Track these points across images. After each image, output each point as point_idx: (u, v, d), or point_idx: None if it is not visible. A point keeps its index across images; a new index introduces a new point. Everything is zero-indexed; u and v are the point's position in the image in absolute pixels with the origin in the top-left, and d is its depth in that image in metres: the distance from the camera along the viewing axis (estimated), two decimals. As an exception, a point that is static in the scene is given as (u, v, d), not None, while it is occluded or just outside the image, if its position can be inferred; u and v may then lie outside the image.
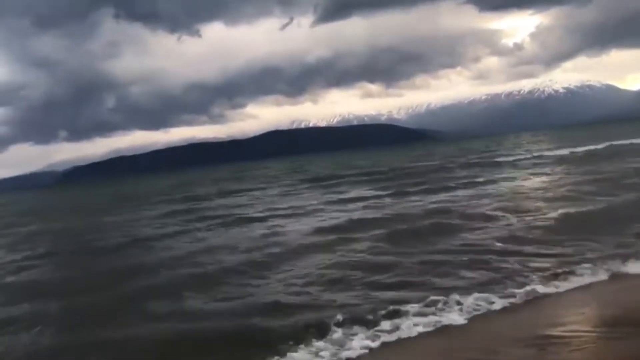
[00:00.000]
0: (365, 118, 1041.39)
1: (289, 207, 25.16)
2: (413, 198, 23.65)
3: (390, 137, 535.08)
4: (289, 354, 7.24)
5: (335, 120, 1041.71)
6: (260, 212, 24.79)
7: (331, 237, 15.62)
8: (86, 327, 9.52)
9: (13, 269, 16.14)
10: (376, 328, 7.87)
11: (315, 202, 26.52)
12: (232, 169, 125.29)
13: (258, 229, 19.22)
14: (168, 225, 23.31)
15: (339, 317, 8.29)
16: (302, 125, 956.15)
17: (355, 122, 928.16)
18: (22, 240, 23.64)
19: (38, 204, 66.40)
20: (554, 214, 15.40)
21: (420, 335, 7.61)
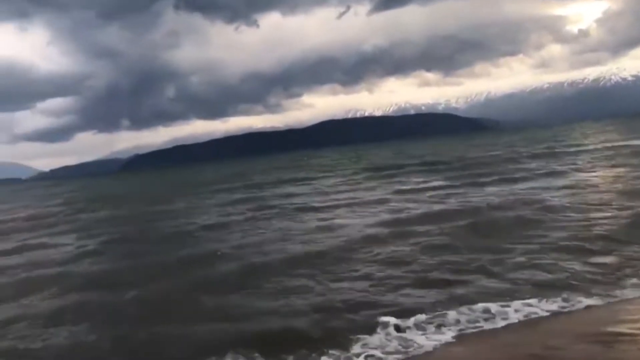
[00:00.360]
0: (423, 107, 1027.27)
1: (351, 198, 24.50)
2: (489, 189, 22.44)
3: (448, 127, 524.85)
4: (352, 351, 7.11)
5: (391, 110, 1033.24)
6: (321, 201, 24.26)
7: (399, 229, 14.90)
8: (150, 319, 9.26)
9: (84, 255, 16.27)
10: (443, 323, 7.70)
11: (380, 192, 25.77)
12: (290, 158, 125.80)
13: (320, 219, 18.69)
14: (232, 214, 23.14)
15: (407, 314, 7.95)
16: (358, 115, 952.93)
17: (412, 112, 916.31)
18: (92, 226, 24.06)
19: (104, 191, 68.54)
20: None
21: (485, 331, 7.44)
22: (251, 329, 8.16)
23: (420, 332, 7.52)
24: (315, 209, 21.62)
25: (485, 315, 7.85)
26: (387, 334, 7.53)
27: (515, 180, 24.33)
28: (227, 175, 69.95)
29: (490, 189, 22.30)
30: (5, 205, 53.45)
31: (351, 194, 26.12)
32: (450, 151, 64.29)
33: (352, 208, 20.94)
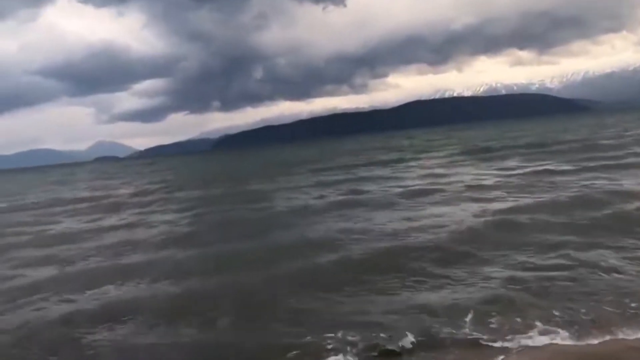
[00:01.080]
0: (514, 87, 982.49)
1: (457, 181, 22.70)
2: (612, 174, 19.85)
3: (542, 108, 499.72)
4: None
5: (481, 90, 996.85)
6: (425, 185, 22.67)
7: (526, 217, 13.16)
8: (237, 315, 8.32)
9: (175, 240, 15.79)
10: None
11: (489, 175, 23.73)
12: (378, 139, 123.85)
13: (424, 205, 17.18)
14: (326, 197, 22.15)
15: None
16: (446, 95, 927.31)
17: (503, 92, 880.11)
18: (187, 206, 23.95)
19: (198, 169, 70.42)
20: None
21: None
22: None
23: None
24: (419, 193, 20.08)
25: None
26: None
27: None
28: (315, 155, 69.51)
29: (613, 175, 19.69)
30: (114, 180, 56.01)
31: (459, 177, 24.30)
32: (554, 133, 59.81)
33: (461, 193, 19.24)
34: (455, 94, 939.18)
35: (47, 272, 12.66)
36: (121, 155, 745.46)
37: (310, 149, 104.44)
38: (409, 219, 14.92)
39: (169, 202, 26.60)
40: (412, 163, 36.21)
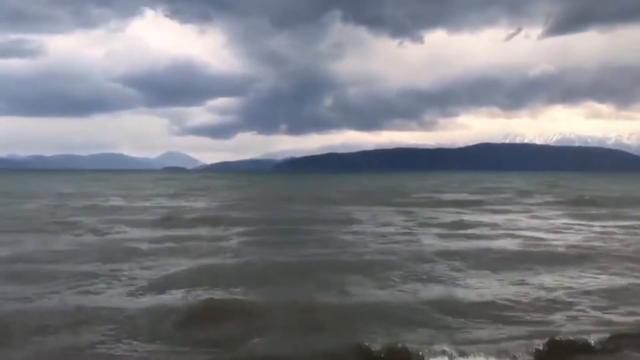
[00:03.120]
0: (589, 140, 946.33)
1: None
2: None
3: (617, 164, 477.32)
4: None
5: (554, 139, 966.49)
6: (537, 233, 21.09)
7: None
8: None
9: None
10: None
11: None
12: (447, 178, 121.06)
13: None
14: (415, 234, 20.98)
15: None
16: (517, 140, 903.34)
17: (576, 143, 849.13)
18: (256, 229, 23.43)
19: (268, 188, 70.46)
20: None
21: None
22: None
23: None
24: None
25: None
26: None
27: None
28: (386, 187, 68.01)
29: None
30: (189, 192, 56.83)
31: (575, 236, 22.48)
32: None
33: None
34: (526, 140, 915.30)
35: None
36: (188, 166, 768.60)
37: (379, 181, 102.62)
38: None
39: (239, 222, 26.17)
40: (508, 209, 34.30)
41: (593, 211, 31.38)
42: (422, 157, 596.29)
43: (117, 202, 39.19)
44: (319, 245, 18.38)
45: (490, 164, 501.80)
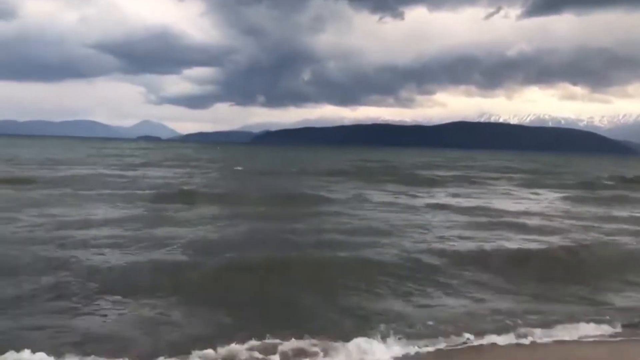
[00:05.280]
0: (562, 121, 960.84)
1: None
2: None
3: (588, 146, 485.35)
4: None
5: (528, 119, 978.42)
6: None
7: None
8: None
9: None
10: None
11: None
12: (423, 154, 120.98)
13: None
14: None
15: None
16: (492, 120, 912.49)
17: (549, 124, 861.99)
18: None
19: (249, 158, 68.89)
20: None
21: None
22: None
23: None
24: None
25: None
26: None
27: None
28: (374, 162, 67.12)
29: None
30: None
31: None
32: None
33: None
34: (501, 120, 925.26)
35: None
36: (163, 136, 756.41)
37: (362, 154, 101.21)
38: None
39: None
40: (498, 188, 34.18)
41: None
42: (399, 134, 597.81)
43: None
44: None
45: (467, 141, 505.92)
